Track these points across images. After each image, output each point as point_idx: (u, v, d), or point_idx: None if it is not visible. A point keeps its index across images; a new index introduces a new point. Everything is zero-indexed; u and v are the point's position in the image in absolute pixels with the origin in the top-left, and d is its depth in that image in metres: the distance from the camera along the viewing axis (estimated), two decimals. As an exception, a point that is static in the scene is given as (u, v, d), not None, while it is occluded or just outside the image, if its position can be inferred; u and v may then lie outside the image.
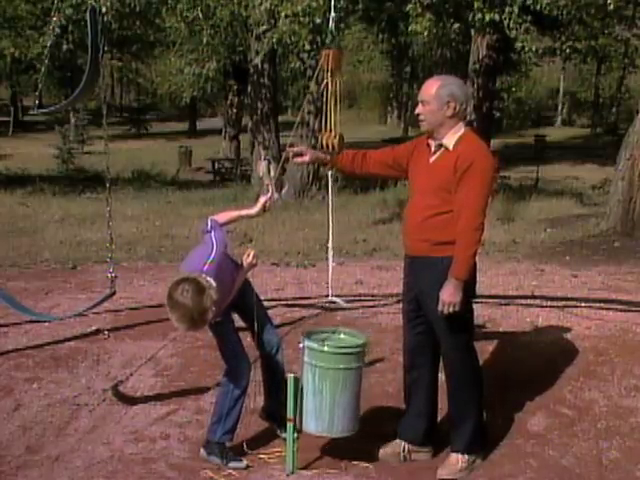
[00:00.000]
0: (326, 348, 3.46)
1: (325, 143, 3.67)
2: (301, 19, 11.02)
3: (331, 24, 3.91)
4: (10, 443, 3.84)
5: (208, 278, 3.25)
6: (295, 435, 3.50)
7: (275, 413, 3.83)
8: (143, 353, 4.96)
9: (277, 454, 3.71)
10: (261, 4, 11.69)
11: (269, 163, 14.61)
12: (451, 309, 3.34)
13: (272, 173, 13.79)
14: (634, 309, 5.69)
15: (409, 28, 11.55)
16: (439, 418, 3.81)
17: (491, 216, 8.97)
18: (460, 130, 3.45)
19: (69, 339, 5.16)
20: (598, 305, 5.80)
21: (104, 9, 11.08)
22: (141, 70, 37.42)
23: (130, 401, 4.33)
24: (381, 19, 15.45)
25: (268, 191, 3.80)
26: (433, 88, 3.43)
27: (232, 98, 23.62)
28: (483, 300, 5.60)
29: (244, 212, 3.82)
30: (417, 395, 3.72)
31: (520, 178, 16.99)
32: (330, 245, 3.85)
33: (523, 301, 6.01)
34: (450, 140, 3.43)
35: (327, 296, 4.45)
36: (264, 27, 12.62)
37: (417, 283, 3.57)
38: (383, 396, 4.33)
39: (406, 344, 3.75)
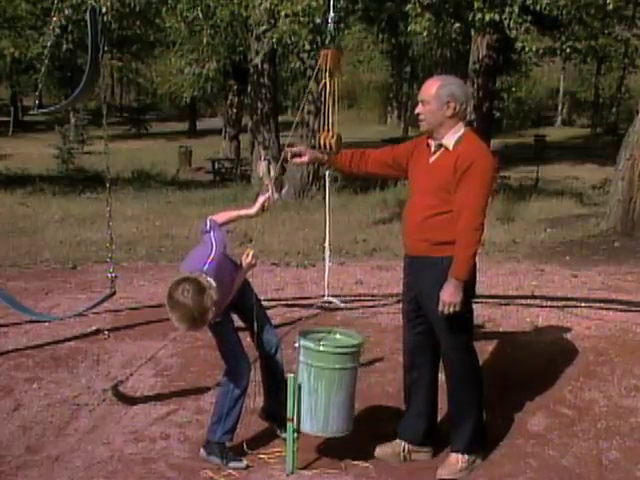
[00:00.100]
0: (322, 348, 3.46)
1: (323, 143, 3.67)
2: (301, 19, 11.02)
3: (330, 24, 3.90)
4: (10, 443, 3.84)
5: (208, 278, 3.25)
6: (295, 435, 3.50)
7: (275, 413, 3.83)
8: (143, 353, 4.96)
9: (277, 454, 3.71)
10: (261, 4, 11.69)
11: (269, 163, 14.58)
12: (451, 309, 3.34)
13: (272, 173, 13.82)
14: (634, 309, 5.69)
15: (408, 28, 11.54)
16: (439, 418, 3.81)
17: (491, 216, 8.97)
18: (460, 130, 3.45)
19: (69, 339, 5.16)
20: (598, 305, 5.80)
21: (104, 9, 11.10)
22: (141, 70, 37.41)
23: (130, 401, 4.33)
24: (381, 19, 15.46)
25: (268, 191, 3.80)
26: (433, 88, 3.43)
27: (232, 98, 23.62)
28: (483, 300, 5.60)
29: (243, 212, 3.82)
30: (417, 395, 3.72)
31: (520, 178, 17.00)
32: (327, 245, 3.85)
33: (523, 301, 6.01)
34: (450, 140, 3.43)
35: (323, 296, 4.45)
36: (264, 27, 12.61)
37: (417, 283, 3.57)
38: (383, 396, 4.34)
39: (406, 344, 3.75)
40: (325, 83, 3.64)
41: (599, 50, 21.05)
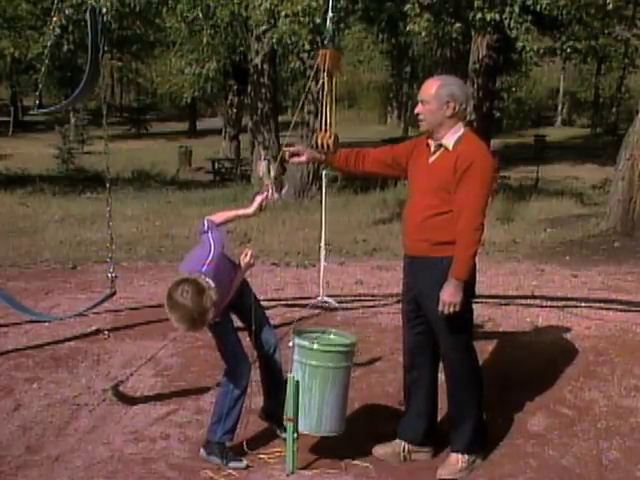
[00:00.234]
0: (316, 346, 3.47)
1: (320, 143, 3.67)
2: (301, 19, 11.02)
3: (328, 24, 3.89)
4: (10, 443, 3.84)
5: (207, 279, 3.26)
6: (295, 435, 3.50)
7: (274, 413, 3.83)
8: (143, 353, 4.96)
9: (277, 454, 3.71)
10: (261, 4, 11.67)
11: (269, 163, 14.63)
12: (451, 309, 3.34)
13: (272, 173, 13.83)
14: (634, 309, 5.69)
15: (407, 28, 11.53)
16: (439, 418, 3.81)
17: (491, 216, 8.97)
18: (460, 130, 3.45)
19: (69, 339, 5.15)
20: (598, 305, 5.80)
21: (104, 9, 11.13)
22: (141, 70, 37.42)
23: (130, 401, 4.33)
24: (381, 19, 15.43)
25: (267, 190, 3.81)
26: (433, 88, 3.43)
27: (232, 98, 23.63)
28: (483, 300, 5.60)
29: (241, 212, 3.82)
30: (417, 395, 3.72)
31: (520, 178, 16.99)
32: (322, 244, 3.84)
33: (523, 301, 6.01)
34: (450, 140, 3.43)
35: (316, 297, 4.43)
36: (264, 27, 12.61)
37: (417, 283, 3.57)
38: (383, 396, 4.34)
39: (406, 344, 3.75)
40: (323, 83, 3.63)
41: (599, 50, 21.06)
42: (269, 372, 3.84)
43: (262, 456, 3.72)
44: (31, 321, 5.42)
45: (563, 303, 5.90)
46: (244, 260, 3.60)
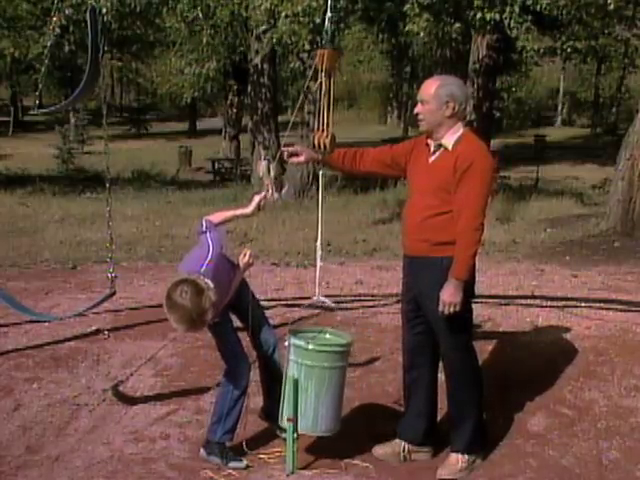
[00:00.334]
0: (311, 346, 3.47)
1: (317, 143, 3.67)
2: (301, 19, 11.02)
3: (327, 24, 3.89)
4: (10, 443, 3.84)
5: (206, 280, 3.26)
6: (295, 435, 3.50)
7: (274, 413, 3.82)
8: (143, 353, 4.96)
9: (277, 454, 3.71)
10: (261, 4, 11.68)
11: (269, 163, 14.63)
12: (452, 309, 3.34)
13: (272, 173, 13.82)
14: (634, 309, 5.69)
15: (406, 28, 11.53)
16: (439, 418, 3.81)
17: (491, 216, 8.97)
18: (459, 130, 3.45)
19: (69, 339, 5.15)
20: (598, 305, 5.79)
21: (104, 9, 11.12)
22: (141, 70, 37.39)
23: (130, 401, 4.33)
24: (381, 19, 15.42)
25: (268, 190, 3.81)
26: (432, 88, 3.43)
27: (232, 98, 23.63)
28: (483, 300, 5.60)
29: (239, 211, 3.82)
30: (417, 395, 3.72)
31: (520, 178, 16.99)
32: (318, 244, 3.84)
33: (523, 301, 6.01)
34: (449, 140, 3.43)
35: (310, 297, 4.45)
36: (264, 27, 12.61)
37: (416, 283, 3.57)
38: (383, 396, 4.34)
39: (405, 344, 3.75)
40: (321, 83, 3.63)
41: (599, 50, 21.08)
42: (268, 372, 3.84)
43: (262, 456, 3.72)
44: (31, 321, 5.42)
45: (563, 303, 5.90)
46: (243, 260, 3.61)
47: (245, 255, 3.60)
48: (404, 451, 3.73)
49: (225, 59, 20.21)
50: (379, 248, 9.08)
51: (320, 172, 3.99)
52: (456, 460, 3.59)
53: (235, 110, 23.68)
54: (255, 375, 3.87)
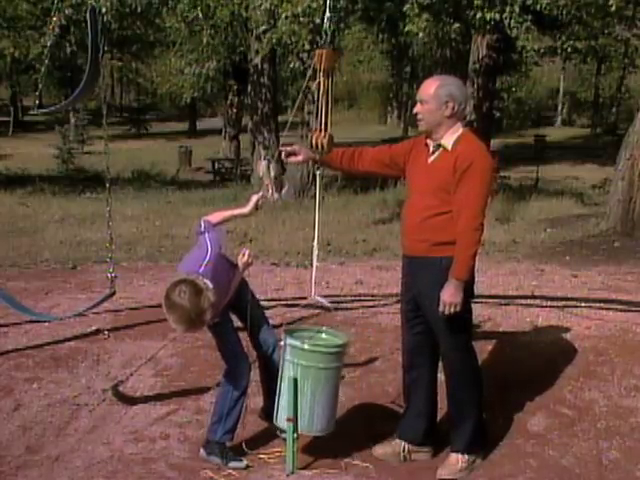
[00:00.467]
0: (306, 346, 3.47)
1: (315, 143, 3.67)
2: (301, 19, 11.02)
3: (326, 24, 3.89)
4: (10, 443, 3.84)
5: (205, 280, 3.26)
6: (295, 435, 3.50)
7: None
8: (143, 353, 4.96)
9: (277, 454, 3.71)
10: (261, 5, 11.68)
11: (269, 163, 14.62)
12: (452, 310, 3.34)
13: (272, 173, 13.82)
14: (634, 309, 5.69)
15: (405, 28, 11.53)
16: (439, 418, 3.81)
17: (490, 216, 8.97)
18: (458, 130, 3.44)
19: (69, 339, 5.16)
20: (598, 305, 5.80)
21: (104, 9, 11.12)
22: (141, 70, 37.37)
23: (130, 401, 4.33)
24: (381, 19, 15.42)
25: (267, 190, 3.81)
26: (432, 88, 3.43)
27: (232, 98, 23.62)
28: (483, 300, 5.60)
29: (237, 211, 3.82)
30: (417, 395, 3.72)
31: (520, 178, 16.98)
32: (315, 244, 3.84)
33: (523, 301, 6.01)
34: (448, 140, 3.43)
35: (306, 297, 4.45)
36: (264, 27, 12.61)
37: (416, 283, 3.57)
38: (383, 396, 4.34)
39: (405, 344, 3.75)
40: (319, 83, 3.63)
41: (599, 50, 21.08)
42: (268, 372, 3.84)
43: (262, 456, 3.73)
44: (31, 321, 5.42)
45: (563, 303, 5.90)
46: (242, 260, 3.61)
47: (244, 255, 3.61)
48: (404, 451, 3.73)
49: (225, 59, 20.21)
50: (379, 248, 9.07)
51: (317, 172, 3.99)
52: (456, 460, 3.59)
53: (235, 110, 23.68)
54: (255, 375, 3.87)
